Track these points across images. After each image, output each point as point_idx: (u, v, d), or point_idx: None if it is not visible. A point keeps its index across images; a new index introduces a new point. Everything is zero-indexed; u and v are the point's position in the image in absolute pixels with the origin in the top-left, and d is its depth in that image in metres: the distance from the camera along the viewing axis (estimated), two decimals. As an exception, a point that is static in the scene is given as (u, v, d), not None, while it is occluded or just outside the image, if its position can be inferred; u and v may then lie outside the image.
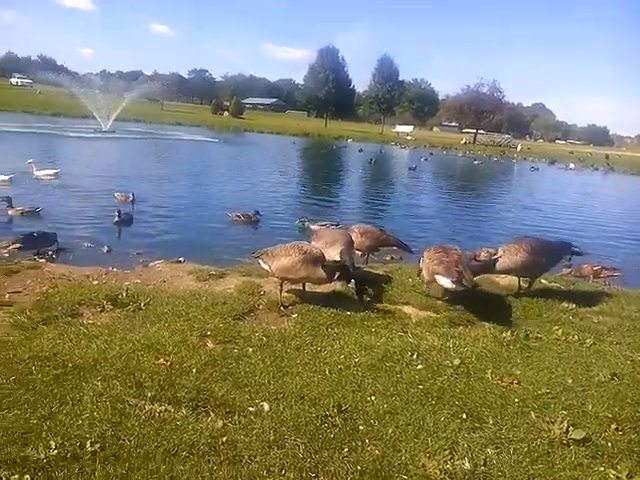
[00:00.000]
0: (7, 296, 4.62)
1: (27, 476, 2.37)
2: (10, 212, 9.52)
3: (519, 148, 68.89)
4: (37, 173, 13.82)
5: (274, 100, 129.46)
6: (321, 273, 4.68)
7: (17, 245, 7.37)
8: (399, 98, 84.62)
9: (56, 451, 2.54)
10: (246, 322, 4.48)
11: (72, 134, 28.86)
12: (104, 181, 14.96)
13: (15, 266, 5.55)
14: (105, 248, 7.85)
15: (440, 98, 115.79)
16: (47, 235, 7.63)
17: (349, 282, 4.81)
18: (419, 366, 3.83)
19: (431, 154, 44.87)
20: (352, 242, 5.49)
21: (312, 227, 10.39)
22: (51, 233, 7.72)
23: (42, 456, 2.50)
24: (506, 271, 5.59)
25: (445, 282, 4.88)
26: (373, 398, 3.32)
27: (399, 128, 76.54)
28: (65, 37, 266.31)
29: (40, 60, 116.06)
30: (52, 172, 14.28)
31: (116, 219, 9.42)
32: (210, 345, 3.94)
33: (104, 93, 40.30)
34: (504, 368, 3.92)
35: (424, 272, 5.30)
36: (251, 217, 11.05)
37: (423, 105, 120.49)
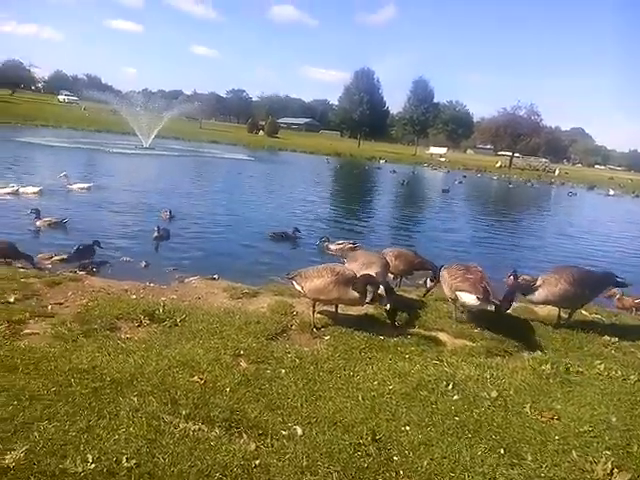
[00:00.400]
0: (49, 307, 4.77)
1: (65, 489, 2.41)
2: (38, 223, 9.90)
3: (557, 172, 67.51)
4: (70, 186, 14.33)
5: (308, 120, 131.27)
6: (353, 294, 4.66)
7: (62, 257, 7.63)
8: (433, 120, 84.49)
9: (93, 465, 2.57)
10: (279, 342, 4.48)
11: (114, 150, 29.91)
12: (142, 196, 15.38)
13: (57, 278, 5.74)
14: (143, 263, 8.03)
15: (475, 120, 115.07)
16: (90, 248, 7.87)
17: (386, 305, 4.75)
18: (455, 397, 3.74)
19: (464, 177, 44.38)
20: (388, 265, 5.46)
21: (330, 247, 10.44)
22: (91, 245, 7.96)
23: (79, 469, 2.54)
24: (545, 302, 5.43)
25: (470, 299, 4.85)
26: (408, 428, 3.25)
27: (433, 150, 76.38)
28: (111, 57, 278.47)
29: (86, 78, 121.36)
30: (85, 185, 14.75)
31: (155, 234, 9.66)
32: (243, 365, 3.95)
33: (145, 111, 41.71)
34: (544, 402, 3.78)
35: (445, 289, 5.30)
36: (290, 235, 11.16)
37: (457, 127, 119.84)
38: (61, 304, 4.91)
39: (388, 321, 4.90)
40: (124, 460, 2.63)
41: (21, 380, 3.32)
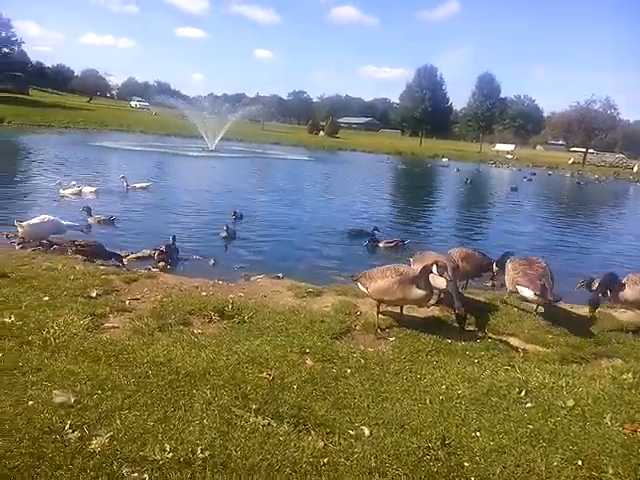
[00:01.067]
0: (127, 302, 5.06)
1: (146, 475, 2.55)
2: (90, 220, 10.56)
3: (635, 169, 62.92)
4: (129, 187, 15.21)
5: (368, 119, 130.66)
6: (418, 293, 4.59)
7: (138, 255, 8.15)
8: (500, 116, 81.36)
9: (170, 454, 2.70)
10: (343, 342, 4.50)
11: (182, 152, 31.26)
12: (207, 197, 15.94)
13: (134, 275, 6.07)
14: (211, 261, 8.32)
15: (545, 115, 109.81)
16: (173, 247, 8.33)
17: (457, 309, 4.65)
18: (528, 404, 3.59)
19: (534, 174, 42.35)
20: (458, 267, 5.32)
21: (380, 245, 10.38)
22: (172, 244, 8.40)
23: (158, 457, 2.68)
24: (629, 303, 5.10)
25: (528, 293, 5.03)
26: (478, 434, 3.16)
27: (499, 147, 73.65)
28: (179, 63, 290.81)
29: (157, 85, 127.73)
30: (144, 185, 15.59)
31: (224, 234, 10.01)
32: (309, 363, 4.00)
33: (211, 115, 43.22)
34: (626, 413, 3.55)
35: (507, 282, 5.49)
36: (367, 233, 11.19)
37: (525, 123, 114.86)
38: (138, 299, 5.20)
39: (456, 325, 4.78)
40: (199, 451, 2.74)
41: (104, 370, 3.55)
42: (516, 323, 5.16)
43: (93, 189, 14.07)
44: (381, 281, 4.76)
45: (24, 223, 7.92)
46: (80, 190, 13.83)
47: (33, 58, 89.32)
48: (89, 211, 10.74)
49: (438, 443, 2.99)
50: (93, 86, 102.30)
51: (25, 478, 2.45)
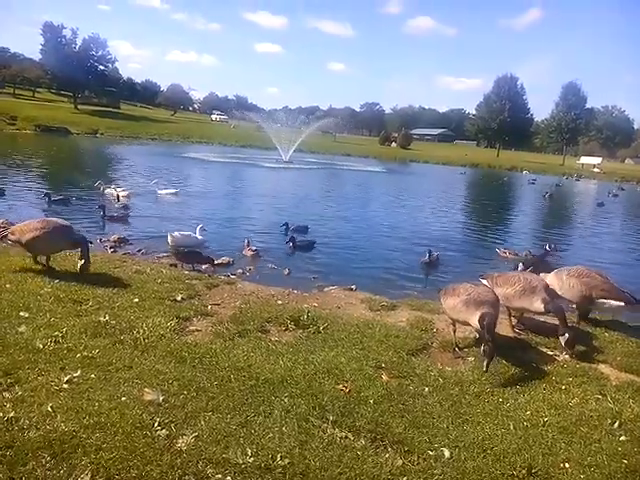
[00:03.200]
0: (209, 307, 5.28)
1: (229, 478, 2.63)
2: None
3: None
4: (159, 192, 16.08)
5: (442, 130, 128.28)
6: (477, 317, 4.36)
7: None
8: (585, 127, 76.89)
9: (252, 459, 2.77)
10: (420, 359, 4.40)
11: (259, 163, 32.36)
12: (278, 206, 16.33)
13: (215, 280, 6.34)
14: (286, 270, 8.51)
15: (635, 127, 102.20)
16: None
17: (564, 334, 4.48)
18: (622, 437, 3.33)
19: (622, 189, 39.49)
20: (550, 288, 5.05)
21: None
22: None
23: (240, 461, 2.75)
24: None
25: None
26: (567, 465, 2.97)
27: (584, 159, 69.36)
28: (256, 78, 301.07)
29: (235, 99, 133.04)
30: (173, 191, 16.47)
31: (289, 244, 10.31)
32: (385, 378, 3.95)
33: (285, 127, 44.41)
34: None
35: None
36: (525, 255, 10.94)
37: (614, 134, 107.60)
38: (218, 304, 5.41)
39: (544, 349, 4.56)
40: (279, 458, 2.79)
41: (189, 372, 3.72)
42: (608, 349, 4.80)
43: (126, 192, 14.83)
44: (450, 299, 4.62)
45: (175, 233, 9.48)
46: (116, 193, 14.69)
47: (125, 74, 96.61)
48: (103, 209, 11.65)
49: (524, 472, 2.84)
50: (177, 100, 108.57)
51: (120, 470, 2.60)
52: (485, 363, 3.97)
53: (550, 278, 5.49)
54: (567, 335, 4.45)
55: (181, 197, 16.35)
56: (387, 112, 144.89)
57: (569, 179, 51.12)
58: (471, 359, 4.44)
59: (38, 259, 6.04)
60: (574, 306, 5.57)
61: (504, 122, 71.70)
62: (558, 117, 73.23)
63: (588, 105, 75.34)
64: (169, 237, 9.48)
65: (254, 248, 9.55)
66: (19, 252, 6.17)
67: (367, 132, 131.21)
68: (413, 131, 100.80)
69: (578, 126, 72.82)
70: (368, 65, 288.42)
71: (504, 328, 5.09)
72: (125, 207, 13.23)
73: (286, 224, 11.83)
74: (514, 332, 5.17)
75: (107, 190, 14.91)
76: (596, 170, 60.68)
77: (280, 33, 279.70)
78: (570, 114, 71.13)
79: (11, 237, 5.83)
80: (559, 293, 5.32)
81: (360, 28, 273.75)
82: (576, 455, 3.08)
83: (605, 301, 5.22)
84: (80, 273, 5.80)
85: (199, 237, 9.91)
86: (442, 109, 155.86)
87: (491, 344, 3.97)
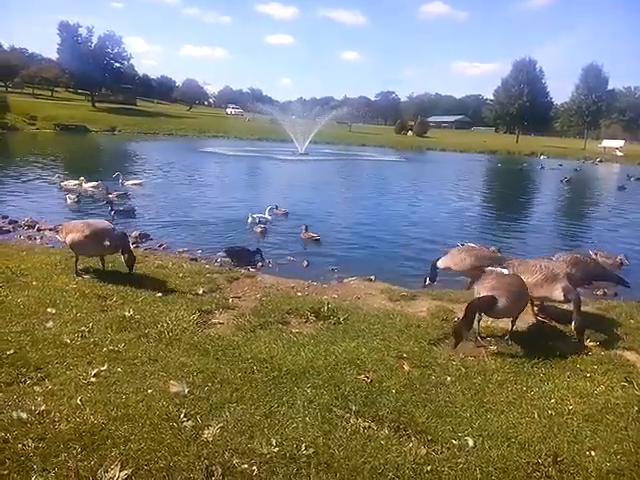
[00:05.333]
0: (230, 300, 5.34)
1: (254, 468, 2.67)
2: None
3: None
4: (125, 183, 16.17)
5: (459, 117, 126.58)
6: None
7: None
8: (607, 109, 74.99)
9: (277, 448, 2.81)
10: (441, 348, 4.39)
11: (275, 156, 32.39)
12: (297, 199, 16.34)
13: (235, 274, 6.40)
14: (305, 262, 8.53)
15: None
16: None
17: (575, 322, 4.45)
18: (650, 425, 3.27)
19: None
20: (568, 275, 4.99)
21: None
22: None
23: (265, 451, 2.79)
24: None
25: None
26: (593, 453, 2.94)
27: (606, 143, 67.78)
28: (269, 69, 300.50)
29: (250, 92, 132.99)
30: (138, 182, 16.85)
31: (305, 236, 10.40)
32: (406, 368, 3.95)
33: (300, 119, 44.30)
34: None
35: None
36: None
37: (637, 116, 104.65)
38: (239, 298, 5.46)
39: (568, 337, 4.51)
40: (303, 447, 2.82)
41: (212, 364, 3.78)
42: (633, 335, 4.72)
43: (95, 183, 15.04)
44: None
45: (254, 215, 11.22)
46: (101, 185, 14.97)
47: (140, 71, 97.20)
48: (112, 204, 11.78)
49: (549, 460, 2.82)
50: (193, 95, 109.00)
51: (148, 461, 2.66)
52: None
53: (446, 258, 6.20)
54: (574, 321, 4.45)
55: (146, 188, 16.41)
56: (403, 100, 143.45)
57: (585, 163, 49.83)
58: (493, 347, 4.42)
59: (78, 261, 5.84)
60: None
61: (523, 107, 70.44)
62: (578, 100, 71.58)
63: (610, 87, 73.44)
64: (249, 217, 11.41)
65: (313, 234, 10.44)
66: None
67: (382, 121, 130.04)
68: (430, 119, 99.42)
69: (599, 109, 71.07)
70: (382, 53, 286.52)
71: (526, 316, 5.04)
72: (125, 194, 14.09)
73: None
74: (537, 319, 5.13)
75: (64, 182, 15.29)
76: (619, 153, 59.25)
77: (291, 23, 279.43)
78: (591, 97, 69.43)
79: (59, 236, 5.97)
80: (453, 268, 6.11)
81: (371, 15, 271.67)
82: (602, 442, 3.05)
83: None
84: (129, 269, 5.70)
85: (269, 217, 11.62)
86: (459, 95, 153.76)
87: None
